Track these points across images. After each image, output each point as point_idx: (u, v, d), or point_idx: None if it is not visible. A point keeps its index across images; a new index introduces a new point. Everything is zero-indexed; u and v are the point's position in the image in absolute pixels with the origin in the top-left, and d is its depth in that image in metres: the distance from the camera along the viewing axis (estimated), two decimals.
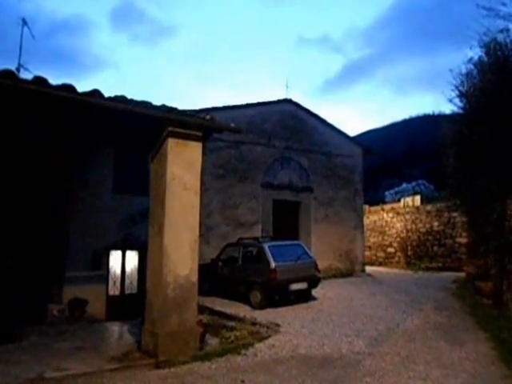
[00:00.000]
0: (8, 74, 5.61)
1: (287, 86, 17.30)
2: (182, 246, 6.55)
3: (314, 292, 11.41)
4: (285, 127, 16.14)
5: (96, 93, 6.19)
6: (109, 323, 9.54)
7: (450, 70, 10.94)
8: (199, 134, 6.93)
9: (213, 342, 7.23)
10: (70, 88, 5.98)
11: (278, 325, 8.42)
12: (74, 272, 9.89)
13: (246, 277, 10.75)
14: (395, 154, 46.70)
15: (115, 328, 8.98)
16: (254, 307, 10.22)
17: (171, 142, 6.74)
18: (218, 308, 9.89)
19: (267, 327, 8.21)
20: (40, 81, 5.77)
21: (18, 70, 10.75)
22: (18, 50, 11.20)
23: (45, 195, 9.50)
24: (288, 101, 16.45)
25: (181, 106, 7.02)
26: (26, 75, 8.73)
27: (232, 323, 8.52)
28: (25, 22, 11.61)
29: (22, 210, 9.05)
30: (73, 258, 9.97)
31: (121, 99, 6.38)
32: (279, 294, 10.50)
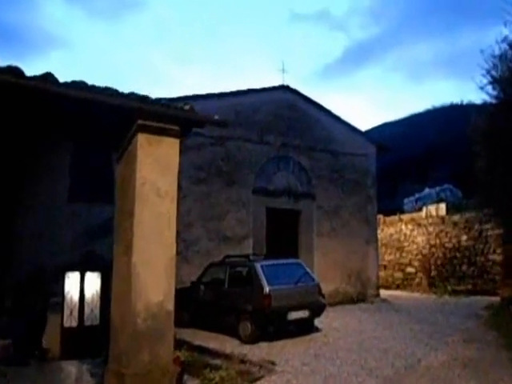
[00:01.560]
0: None
1: (283, 71, 17.29)
2: (154, 267, 6.52)
3: (318, 322, 11.41)
4: (281, 120, 16.19)
5: (49, 77, 6.16)
6: (64, 362, 9.46)
7: (481, 51, 11.06)
8: (176, 128, 6.92)
9: None
10: (16, 71, 5.94)
11: (273, 363, 8.40)
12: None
13: (233, 303, 10.72)
14: (415, 153, 47.02)
15: (72, 368, 8.91)
16: (244, 341, 10.19)
17: (142, 139, 6.72)
18: (199, 342, 9.85)
19: (260, 366, 8.19)
20: None
21: None
22: None
23: None
24: (285, 88, 16.53)
25: (154, 94, 7.04)
26: None
27: (217, 361, 8.49)
28: None
29: None
30: (20, 282, 9.88)
31: (80, 85, 6.37)
32: (275, 325, 10.48)
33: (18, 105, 6.74)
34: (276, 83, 16.48)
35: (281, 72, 16.93)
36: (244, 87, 15.54)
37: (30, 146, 9.99)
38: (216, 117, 7.57)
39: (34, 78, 6.01)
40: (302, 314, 10.66)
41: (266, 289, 10.17)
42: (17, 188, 10.08)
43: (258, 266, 10.65)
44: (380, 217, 22.93)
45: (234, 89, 15.23)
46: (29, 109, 6.93)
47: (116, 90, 6.68)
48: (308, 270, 11.57)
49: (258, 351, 9.30)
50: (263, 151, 15.68)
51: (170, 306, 6.61)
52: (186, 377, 7.28)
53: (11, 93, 6.11)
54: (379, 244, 19.92)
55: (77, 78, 6.50)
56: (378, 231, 19.61)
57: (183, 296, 10.67)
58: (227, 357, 8.81)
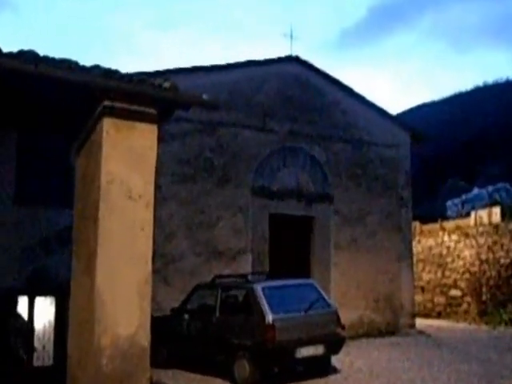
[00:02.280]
0: None
1: (291, 37, 17.15)
2: (124, 290, 6.50)
3: (335, 360, 11.39)
4: (289, 100, 16.19)
5: None
6: None
7: None
8: (153, 111, 6.92)
9: None
10: None
11: None
12: None
13: (226, 337, 10.69)
14: (460, 143, 47.05)
15: None
16: None
17: (108, 124, 6.72)
18: None
19: None
20: None
21: None
22: None
23: None
24: (293, 59, 16.52)
25: (125, 68, 7.03)
26: None
27: None
28: None
29: None
30: None
31: (28, 57, 6.36)
32: (280, 364, 10.45)
33: None
34: (282, 54, 16.50)
35: (288, 39, 16.92)
36: (241, 59, 15.53)
37: None
38: (205, 96, 7.55)
39: None
40: (315, 350, 10.62)
41: (269, 318, 10.13)
42: None
43: (258, 288, 10.62)
44: (416, 224, 22.94)
45: (228, 61, 15.23)
46: None
47: (75, 63, 6.69)
48: (323, 293, 11.54)
49: None
50: (266, 141, 15.68)
51: (145, 340, 6.59)
52: None
53: None
54: (415, 260, 19.90)
55: (25, 47, 6.49)
56: (414, 243, 19.60)
57: (161, 327, 10.64)
58: None
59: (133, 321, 6.52)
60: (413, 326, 17.54)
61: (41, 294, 10.89)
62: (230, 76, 15.21)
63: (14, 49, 6.32)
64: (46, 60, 6.43)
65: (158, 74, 11.60)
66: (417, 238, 23.21)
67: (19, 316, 10.79)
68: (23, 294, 10.76)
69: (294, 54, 16.64)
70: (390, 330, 16.71)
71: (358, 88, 17.41)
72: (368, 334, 15.87)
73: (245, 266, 14.58)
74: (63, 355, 7.51)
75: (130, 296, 6.55)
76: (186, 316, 11.88)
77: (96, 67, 6.76)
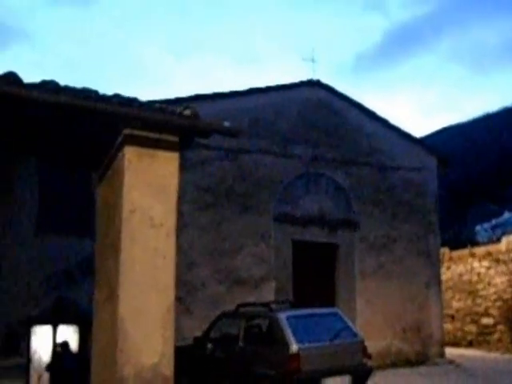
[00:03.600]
0: None
1: (312, 61, 17.19)
2: (147, 319, 6.57)
3: None
4: (310, 125, 16.28)
5: (10, 77, 6.32)
6: None
7: None
8: (174, 138, 7.01)
9: None
10: None
11: None
12: None
13: (250, 366, 10.69)
14: (489, 166, 46.66)
15: None
16: None
17: (130, 153, 6.81)
18: None
19: None
20: None
21: None
22: None
23: None
24: (315, 83, 16.65)
25: (145, 96, 7.16)
26: None
27: None
28: None
29: None
30: None
31: (50, 87, 6.50)
32: None
33: None
34: (298, 78, 16.66)
35: (305, 63, 17.02)
36: (260, 85, 15.66)
37: None
38: (226, 123, 7.63)
39: None
40: (342, 380, 10.56)
41: (294, 347, 10.12)
42: None
43: (282, 317, 10.62)
44: (444, 250, 22.78)
45: (247, 87, 15.36)
46: None
47: (95, 92, 6.78)
48: (348, 322, 11.51)
49: None
50: (288, 167, 15.77)
51: (168, 369, 6.64)
52: None
53: None
54: (444, 287, 19.75)
55: (45, 78, 6.65)
56: (442, 270, 19.47)
57: (184, 356, 10.69)
58: None
59: (156, 350, 6.57)
60: (442, 355, 17.36)
61: (64, 323, 11.01)
62: (251, 102, 15.35)
63: (35, 79, 6.47)
64: (67, 90, 6.57)
65: (178, 101, 11.80)
66: (445, 265, 23.03)
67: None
68: (47, 322, 10.89)
69: (310, 78, 16.79)
70: (418, 360, 16.55)
71: (378, 112, 17.50)
72: (396, 364, 15.74)
73: (268, 294, 14.58)
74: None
75: (153, 325, 6.62)
76: (209, 345, 11.90)
77: (116, 96, 6.86)
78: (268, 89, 15.70)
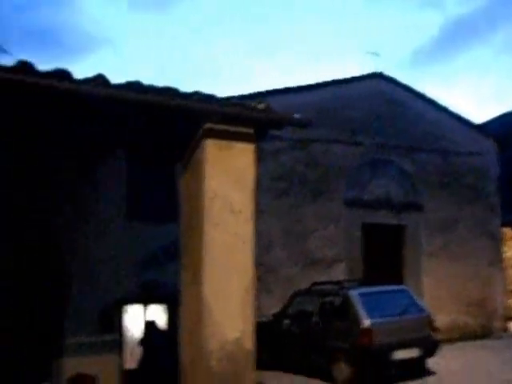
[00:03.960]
0: None
1: (377, 54, 16.84)
2: (229, 298, 6.56)
3: (431, 363, 11.08)
4: (376, 115, 15.97)
5: (99, 79, 6.38)
6: None
7: None
8: (250, 131, 6.95)
9: None
10: (63, 74, 6.15)
11: None
12: (75, 337, 10.17)
13: (325, 340, 10.63)
14: None
15: None
16: None
17: (210, 145, 6.80)
18: None
19: None
20: (24, 67, 6.05)
21: None
22: None
23: (34, 228, 9.92)
24: (378, 76, 16.31)
25: (221, 93, 7.08)
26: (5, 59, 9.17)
27: None
28: None
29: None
30: (74, 318, 10.27)
31: (135, 87, 6.53)
32: (377, 366, 10.28)
33: (64, 111, 7.02)
34: (362, 72, 16.32)
35: (367, 59, 16.69)
36: (325, 79, 15.45)
37: (81, 161, 10.37)
38: (296, 115, 7.54)
39: (83, 80, 6.23)
40: (410, 352, 10.38)
41: (366, 322, 10.01)
42: (68, 209, 10.50)
43: (354, 294, 10.52)
44: (507, 230, 22.04)
45: (313, 81, 15.21)
46: (75, 115, 7.21)
47: (177, 90, 6.77)
48: (416, 298, 11.29)
49: None
50: (355, 154, 15.55)
51: (249, 344, 6.61)
52: None
53: (57, 98, 6.37)
54: (506, 265, 19.13)
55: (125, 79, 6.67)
56: (505, 249, 18.82)
57: (263, 332, 10.69)
58: None
59: (238, 326, 6.56)
60: (505, 329, 16.88)
61: (153, 302, 11.17)
62: (318, 95, 15.18)
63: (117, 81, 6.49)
64: (151, 89, 6.60)
65: (251, 96, 11.75)
66: (507, 244, 22.30)
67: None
68: (138, 302, 11.07)
69: (373, 71, 16.48)
70: (483, 334, 16.14)
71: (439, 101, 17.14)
72: (461, 338, 15.35)
73: (339, 273, 14.43)
74: (175, 357, 7.66)
75: (235, 303, 6.59)
76: (286, 321, 11.90)
77: (195, 93, 6.84)
78: (333, 82, 15.50)
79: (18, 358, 9.61)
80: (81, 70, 6.04)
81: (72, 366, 10.04)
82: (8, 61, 6.22)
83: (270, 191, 14.14)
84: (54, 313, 10.16)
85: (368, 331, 9.97)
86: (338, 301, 11.03)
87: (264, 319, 11.74)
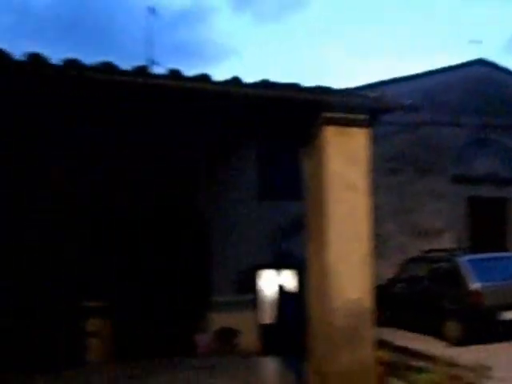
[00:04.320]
0: (140, 71, 6.30)
1: (478, 42, 16.09)
2: (350, 263, 6.58)
3: None
4: (478, 98, 15.20)
5: (235, 80, 6.59)
6: (264, 358, 10.04)
7: None
8: (364, 117, 6.89)
9: None
10: (205, 78, 6.46)
11: (488, 368, 7.92)
12: (219, 297, 10.64)
13: (436, 302, 10.39)
14: None
15: (272, 364, 9.41)
16: (450, 343, 9.82)
17: (328, 131, 6.82)
18: (400, 342, 9.72)
19: (473, 370, 7.79)
20: (174, 74, 6.37)
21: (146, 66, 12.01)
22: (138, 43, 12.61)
23: (183, 205, 10.45)
24: (479, 62, 15.51)
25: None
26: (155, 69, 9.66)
27: (420, 363, 8.30)
28: (153, 11, 12.98)
29: (162, 222, 10.10)
30: (217, 280, 10.72)
31: (265, 84, 6.68)
32: (485, 326, 9.91)
33: (205, 109, 7.31)
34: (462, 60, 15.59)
35: (468, 45, 16.06)
36: (426, 68, 15.00)
37: (219, 149, 10.72)
38: (405, 101, 7.40)
39: (223, 82, 6.48)
40: None
41: (475, 285, 9.69)
42: (209, 189, 10.93)
43: (464, 260, 10.22)
44: None
45: (419, 71, 14.77)
46: (215, 111, 7.49)
47: (298, 85, 6.85)
48: None
49: (468, 354, 8.81)
50: (459, 135, 14.92)
51: (369, 303, 6.62)
52: (388, 378, 7.23)
53: (200, 98, 6.67)
54: None
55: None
56: None
57: (380, 294, 10.61)
58: (432, 359, 8.52)
59: (359, 287, 6.58)
60: None
61: (283, 268, 11.40)
62: (422, 83, 14.72)
63: None
64: (278, 85, 6.70)
65: (366, 87, 11.64)
66: None
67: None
68: (270, 268, 11.34)
69: (474, 58, 15.73)
70: None
71: None
72: None
73: (446, 244, 13.95)
74: (303, 314, 7.78)
75: (355, 268, 6.61)
76: (400, 285, 11.77)
77: (314, 87, 6.86)
78: (435, 71, 14.99)
79: (176, 313, 10.25)
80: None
81: (218, 320, 10.52)
82: (160, 70, 6.65)
83: (383, 170, 13.89)
84: (203, 275, 10.68)
85: (477, 293, 9.66)
86: (448, 266, 10.72)
87: (380, 283, 11.66)
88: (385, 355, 7.91)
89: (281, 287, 11.54)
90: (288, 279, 11.52)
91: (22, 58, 5.67)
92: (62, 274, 9.63)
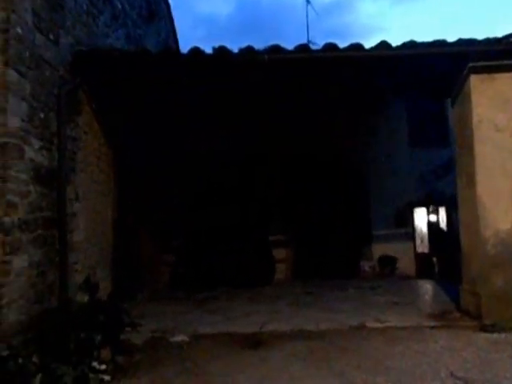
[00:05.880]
0: (302, 49, 6.27)
1: None
2: (499, 196, 5.92)
3: None
4: None
5: (383, 44, 6.21)
6: (419, 281, 9.68)
7: None
8: (508, 62, 6.05)
9: None
10: (358, 47, 6.20)
11: None
12: (379, 230, 10.45)
13: None
14: None
15: (427, 286, 9.00)
16: None
17: (474, 80, 6.15)
18: None
19: None
20: (330, 47, 6.20)
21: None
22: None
23: (346, 155, 10.27)
24: None
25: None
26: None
27: None
28: (308, 1, 12.80)
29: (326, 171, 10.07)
30: (376, 217, 10.49)
31: (411, 44, 6.20)
32: None
33: (359, 71, 7.00)
34: None
35: None
36: None
37: (371, 105, 10.15)
38: None
39: (372, 48, 6.16)
40: None
41: None
42: (364, 139, 10.56)
43: None
44: None
45: None
46: (368, 73, 7.12)
47: (443, 40, 6.22)
48: None
49: None
50: None
51: None
52: None
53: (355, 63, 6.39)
54: None
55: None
56: None
57: None
58: None
59: (508, 218, 5.93)
60: None
61: (434, 205, 10.76)
62: None
63: None
64: (422, 44, 6.18)
65: (509, 36, 10.11)
66: None
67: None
68: (422, 205, 10.76)
69: None
70: None
71: None
72: None
73: None
74: (453, 246, 7.24)
75: (504, 201, 5.95)
76: None
77: (458, 40, 6.16)
78: None
79: (346, 245, 10.30)
80: None
81: (379, 250, 10.37)
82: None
83: None
84: (366, 213, 10.55)
85: None
86: None
87: None
88: None
89: (432, 221, 10.87)
90: (438, 214, 10.82)
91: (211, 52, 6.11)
92: (258, 216, 10.18)
